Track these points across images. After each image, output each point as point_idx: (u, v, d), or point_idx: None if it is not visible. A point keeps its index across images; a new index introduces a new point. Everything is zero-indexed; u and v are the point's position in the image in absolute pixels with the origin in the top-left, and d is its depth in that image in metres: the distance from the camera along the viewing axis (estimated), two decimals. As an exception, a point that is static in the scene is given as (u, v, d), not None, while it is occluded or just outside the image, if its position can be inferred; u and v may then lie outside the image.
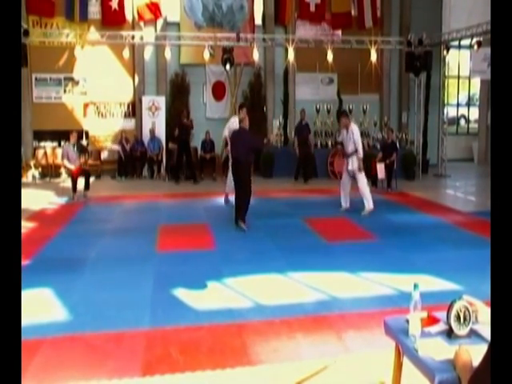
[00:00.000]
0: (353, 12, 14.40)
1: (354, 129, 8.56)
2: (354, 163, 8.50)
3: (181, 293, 4.86)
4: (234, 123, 8.48)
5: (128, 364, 3.52)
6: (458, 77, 16.82)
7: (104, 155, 13.48)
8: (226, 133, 8.88)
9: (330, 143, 13.25)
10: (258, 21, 14.15)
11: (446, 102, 13.96)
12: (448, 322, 2.46)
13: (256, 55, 12.30)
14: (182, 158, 12.17)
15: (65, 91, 13.32)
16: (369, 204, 8.50)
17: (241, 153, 7.37)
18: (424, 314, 2.55)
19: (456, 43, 13.65)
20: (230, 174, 8.47)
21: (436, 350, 2.34)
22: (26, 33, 11.15)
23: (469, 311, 2.44)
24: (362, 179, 8.55)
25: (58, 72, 13.10)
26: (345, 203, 8.78)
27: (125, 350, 3.72)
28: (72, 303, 4.59)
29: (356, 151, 8.44)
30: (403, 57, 13.81)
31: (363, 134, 13.37)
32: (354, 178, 8.67)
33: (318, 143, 13.20)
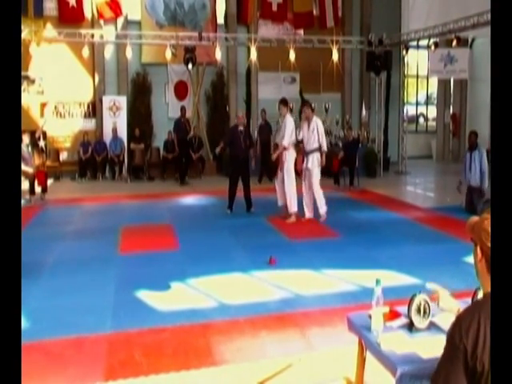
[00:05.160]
0: (314, 12, 14.52)
1: (318, 122, 7.91)
2: (314, 161, 7.81)
3: (144, 295, 4.78)
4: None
5: (89, 370, 3.43)
6: (417, 76, 17.23)
7: (63, 156, 13.13)
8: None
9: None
10: (221, 20, 14.09)
11: (405, 100, 14.30)
12: (409, 316, 2.49)
13: (218, 54, 12.24)
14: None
15: (20, 90, 12.89)
16: (323, 208, 7.86)
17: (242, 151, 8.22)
18: (386, 309, 2.58)
19: (414, 43, 13.97)
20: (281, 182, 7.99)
21: (398, 343, 2.37)
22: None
23: (428, 304, 2.49)
24: (317, 179, 7.87)
25: (12, 70, 12.66)
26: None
27: (86, 356, 3.62)
28: (29, 310, 4.40)
29: (320, 147, 7.79)
30: (364, 56, 14.04)
31: (326, 133, 13.53)
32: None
33: (281, 142, 13.24)
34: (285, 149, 7.77)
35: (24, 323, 4.18)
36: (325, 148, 7.93)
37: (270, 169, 12.16)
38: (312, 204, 8.00)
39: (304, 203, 8.02)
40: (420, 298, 2.48)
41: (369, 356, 2.59)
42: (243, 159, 8.33)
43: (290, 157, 7.86)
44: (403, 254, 6.08)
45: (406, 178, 13.08)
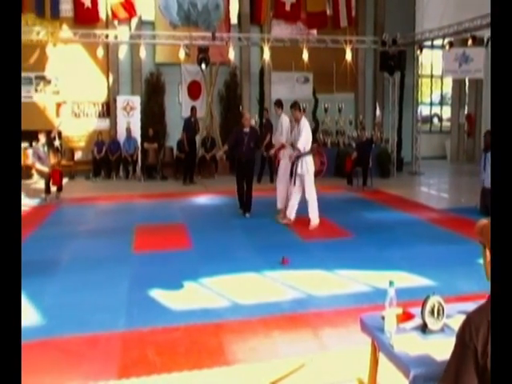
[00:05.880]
0: (328, 11, 14.49)
1: (306, 123, 7.51)
2: (303, 165, 7.40)
3: (157, 293, 4.81)
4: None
5: (103, 367, 3.46)
6: (431, 76, 17.10)
7: (78, 155, 13.26)
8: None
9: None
10: (234, 20, 14.11)
11: (419, 100, 14.17)
12: (422, 318, 2.48)
13: (232, 54, 12.27)
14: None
15: (36, 90, 13.05)
16: (314, 213, 7.50)
17: (246, 153, 8.09)
18: (399, 310, 2.57)
19: (429, 43, 13.87)
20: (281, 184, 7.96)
21: (411, 345, 2.36)
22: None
23: (442, 306, 2.48)
24: (311, 186, 7.50)
25: (28, 71, 12.79)
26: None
27: (100, 353, 3.66)
28: (44, 307, 4.48)
29: (312, 150, 7.55)
30: (378, 56, 13.96)
31: (339, 133, 13.53)
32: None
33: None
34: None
35: (40, 320, 4.25)
36: (299, 148, 7.35)
37: (271, 168, 12.05)
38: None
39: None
40: (434, 300, 2.47)
41: (382, 357, 2.59)
42: (247, 161, 8.15)
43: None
44: (416, 255, 6.04)
45: (419, 179, 12.99)
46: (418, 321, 2.56)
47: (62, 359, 3.58)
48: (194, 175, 12.12)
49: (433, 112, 18.11)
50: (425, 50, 13.69)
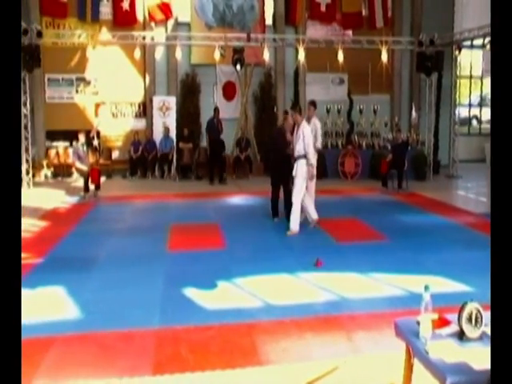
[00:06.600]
0: (364, 12, 14.36)
1: (306, 127, 7.11)
2: (298, 169, 7.07)
3: (191, 292, 4.88)
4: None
5: (138, 363, 3.54)
6: (470, 77, 16.68)
7: (115, 155, 13.57)
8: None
9: (340, 143, 13.22)
10: (269, 21, 14.14)
11: (457, 102, 13.85)
12: (459, 324, 2.44)
13: (266, 55, 12.29)
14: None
15: (77, 91, 13.41)
16: (294, 223, 7.14)
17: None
18: (435, 316, 2.54)
19: (468, 43, 13.53)
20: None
21: (447, 352, 2.33)
22: (40, 34, 11.23)
23: (480, 313, 2.43)
24: (298, 191, 7.11)
25: (70, 72, 13.19)
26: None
27: (135, 349, 3.74)
28: (83, 302, 4.62)
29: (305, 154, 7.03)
30: (414, 57, 13.71)
31: (373, 135, 13.37)
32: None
33: (329, 143, 13.17)
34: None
35: (79, 314, 4.38)
36: (311, 159, 7.04)
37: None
38: (311, 205, 7.44)
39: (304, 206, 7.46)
40: (472, 307, 2.43)
41: (416, 363, 2.56)
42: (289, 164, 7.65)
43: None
44: (453, 260, 5.92)
45: (457, 182, 12.70)
46: (454, 327, 2.52)
47: (99, 353, 3.68)
48: (224, 175, 12.18)
49: (472, 114, 17.66)
50: (464, 50, 13.36)
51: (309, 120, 7.74)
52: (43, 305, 4.58)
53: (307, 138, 7.00)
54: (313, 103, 8.19)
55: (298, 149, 7.07)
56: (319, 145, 8.04)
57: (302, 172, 7.08)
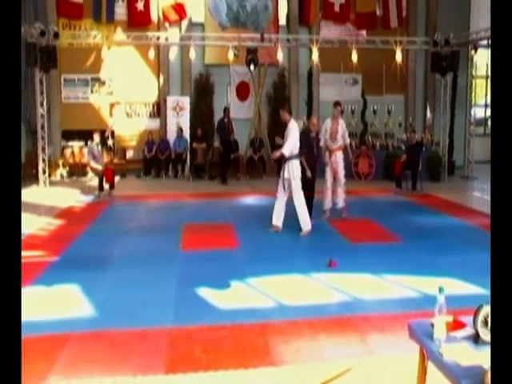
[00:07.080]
0: (378, 12, 14.27)
1: (294, 126, 6.98)
2: (290, 170, 6.97)
3: (204, 292, 4.90)
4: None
5: (152, 361, 3.56)
6: (487, 77, 16.48)
7: (129, 154, 13.67)
8: None
9: (354, 144, 13.14)
10: (283, 21, 14.13)
11: (473, 102, 13.70)
12: (475, 327, 2.42)
13: (280, 55, 12.29)
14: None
15: (92, 91, 13.54)
16: (305, 223, 7.13)
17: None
18: (449, 318, 2.52)
19: (484, 42, 13.37)
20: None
21: (462, 355, 2.31)
22: (57, 35, 11.36)
23: (496, 316, 2.41)
24: (298, 191, 7.04)
25: (85, 73, 13.31)
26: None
27: (148, 348, 3.77)
28: (98, 300, 4.67)
29: (297, 155, 7.00)
30: (429, 57, 13.61)
31: (387, 135, 13.28)
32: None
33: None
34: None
35: (92, 313, 4.42)
36: (284, 150, 6.87)
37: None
38: (283, 212, 7.23)
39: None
40: (487, 309, 2.40)
41: (430, 366, 2.54)
42: (315, 166, 7.73)
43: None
44: (468, 262, 5.86)
45: (472, 183, 12.57)
46: (469, 330, 2.50)
47: (113, 351, 3.71)
48: (238, 175, 12.24)
49: (487, 114, 17.46)
50: (480, 50, 13.20)
51: (335, 119, 8.06)
52: (59, 302, 4.64)
53: (291, 137, 6.87)
54: (338, 103, 8.35)
55: (285, 150, 6.93)
56: (347, 142, 8.31)
57: (298, 173, 7.05)
